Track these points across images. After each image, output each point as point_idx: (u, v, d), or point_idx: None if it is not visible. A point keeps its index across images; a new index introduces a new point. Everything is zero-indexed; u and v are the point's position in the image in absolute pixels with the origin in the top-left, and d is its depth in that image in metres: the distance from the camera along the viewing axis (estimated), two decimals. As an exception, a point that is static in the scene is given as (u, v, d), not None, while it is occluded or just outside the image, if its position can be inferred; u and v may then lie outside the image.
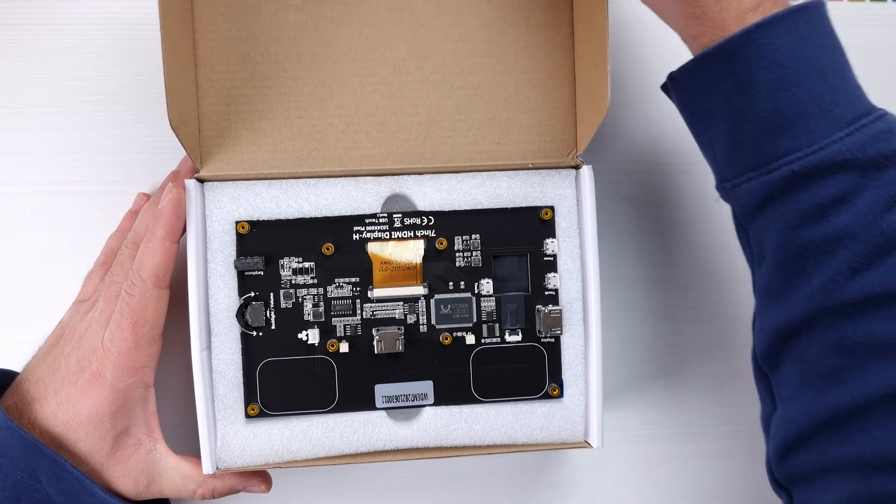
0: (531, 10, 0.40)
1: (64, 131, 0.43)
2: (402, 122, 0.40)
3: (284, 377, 0.37)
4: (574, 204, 0.39)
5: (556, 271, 0.38)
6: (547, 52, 0.40)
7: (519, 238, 0.38)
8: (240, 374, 0.37)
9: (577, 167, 0.40)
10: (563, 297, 0.38)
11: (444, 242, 0.38)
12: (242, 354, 0.37)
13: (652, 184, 0.47)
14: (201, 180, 0.38)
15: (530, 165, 0.40)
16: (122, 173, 0.44)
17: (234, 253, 0.37)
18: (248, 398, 0.37)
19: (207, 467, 0.37)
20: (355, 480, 0.45)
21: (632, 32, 0.47)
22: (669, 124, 0.46)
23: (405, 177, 0.38)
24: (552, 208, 0.39)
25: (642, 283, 0.46)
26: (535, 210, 0.39)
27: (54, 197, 0.43)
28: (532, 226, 0.39)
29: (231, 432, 0.37)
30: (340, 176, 0.38)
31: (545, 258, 0.38)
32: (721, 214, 0.46)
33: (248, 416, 0.37)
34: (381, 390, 0.38)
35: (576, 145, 0.40)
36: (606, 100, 0.35)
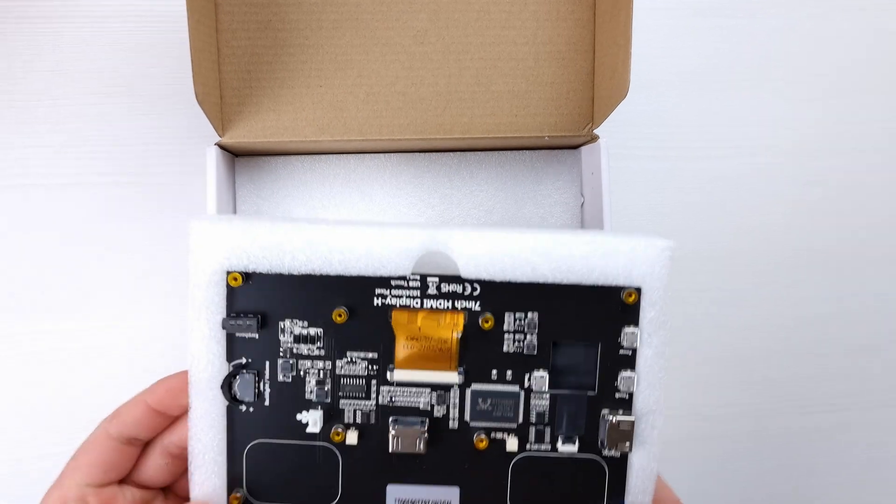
0: (553, -18, 0.40)
1: (77, 123, 0.44)
2: (421, 93, 0.40)
3: (277, 463, 0.30)
4: (667, 288, 0.30)
5: (633, 370, 0.30)
6: (568, 26, 0.40)
7: (589, 322, 0.29)
8: (222, 458, 0.30)
9: (592, 140, 0.40)
10: (638, 404, 0.30)
11: (491, 320, 0.29)
12: (227, 432, 0.30)
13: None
14: (224, 147, 0.39)
15: (546, 138, 0.40)
16: (134, 165, 0.44)
17: (222, 310, 0.29)
18: (232, 483, 0.30)
19: None
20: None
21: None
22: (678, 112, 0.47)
23: (447, 231, 0.29)
24: (638, 290, 0.29)
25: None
26: (614, 291, 0.29)
27: (67, 189, 0.44)
28: (609, 309, 0.29)
29: None
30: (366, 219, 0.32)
31: (621, 351, 0.30)
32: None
33: None
34: (395, 492, 0.30)
35: (592, 119, 0.41)
36: (627, 82, 0.36)
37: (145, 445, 0.32)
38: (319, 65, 0.40)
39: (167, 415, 0.32)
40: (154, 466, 0.32)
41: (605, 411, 0.30)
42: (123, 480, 0.32)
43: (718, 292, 0.49)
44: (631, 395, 0.30)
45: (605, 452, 0.30)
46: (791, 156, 0.49)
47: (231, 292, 0.29)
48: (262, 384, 0.30)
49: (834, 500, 0.51)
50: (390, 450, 0.30)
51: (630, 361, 0.30)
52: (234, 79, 0.39)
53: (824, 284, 0.50)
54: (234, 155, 0.42)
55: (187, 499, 0.34)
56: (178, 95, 0.45)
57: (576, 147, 0.43)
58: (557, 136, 0.41)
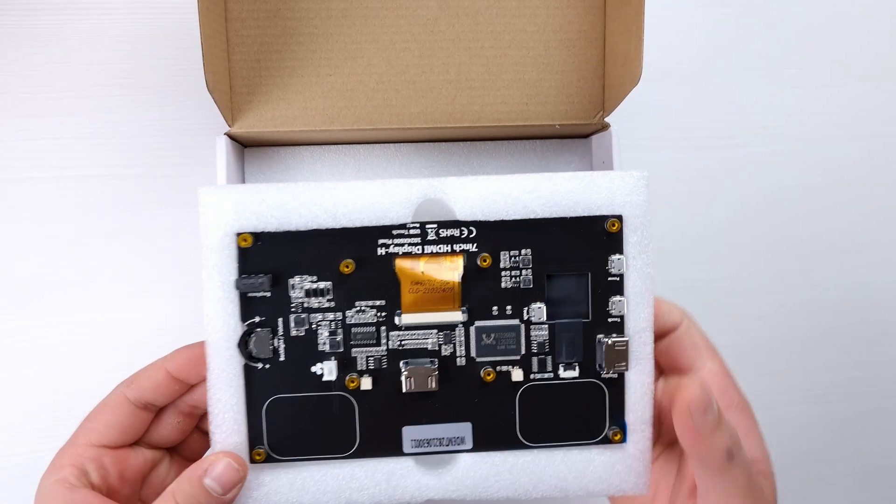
0: (564, -30, 0.40)
1: (86, 115, 0.44)
2: (431, 81, 0.40)
3: (295, 417, 0.31)
4: (646, 214, 0.32)
5: (622, 294, 0.32)
6: (578, 13, 0.40)
7: (578, 254, 0.32)
8: (241, 416, 0.31)
9: (603, 129, 0.40)
10: (629, 325, 0.32)
11: (489, 259, 0.31)
12: (246, 391, 0.31)
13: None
14: (233, 137, 0.39)
15: (557, 126, 0.40)
16: (145, 156, 0.44)
17: (234, 271, 0.31)
18: (253, 441, 0.31)
19: None
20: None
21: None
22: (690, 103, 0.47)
23: (442, 179, 0.31)
24: (620, 218, 0.32)
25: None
26: (599, 220, 0.31)
27: (77, 181, 0.44)
28: (595, 239, 0.32)
29: None
30: (367, 180, 0.32)
31: (609, 278, 0.32)
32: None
33: (252, 461, 0.32)
34: (410, 433, 0.32)
35: (603, 107, 0.41)
36: (639, 69, 0.36)
37: (159, 409, 0.33)
38: (329, 54, 0.40)
39: (185, 382, 0.32)
40: (166, 427, 0.33)
41: (600, 336, 0.32)
42: (136, 442, 0.33)
43: (729, 281, 0.48)
44: (622, 317, 0.32)
45: (604, 374, 0.32)
46: (803, 144, 0.49)
47: (242, 253, 0.31)
48: (276, 340, 0.31)
49: (850, 490, 0.51)
50: (404, 390, 0.31)
51: (619, 286, 0.32)
52: (243, 68, 0.39)
53: (837, 273, 0.50)
54: (244, 146, 0.42)
55: (192, 459, 0.34)
56: (187, 86, 0.45)
57: (586, 136, 0.43)
58: (568, 125, 0.41)
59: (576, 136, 0.43)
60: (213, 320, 0.31)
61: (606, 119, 0.41)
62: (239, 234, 0.31)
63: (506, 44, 0.40)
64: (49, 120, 0.44)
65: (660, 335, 0.33)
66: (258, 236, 0.31)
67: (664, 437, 0.34)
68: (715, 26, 0.48)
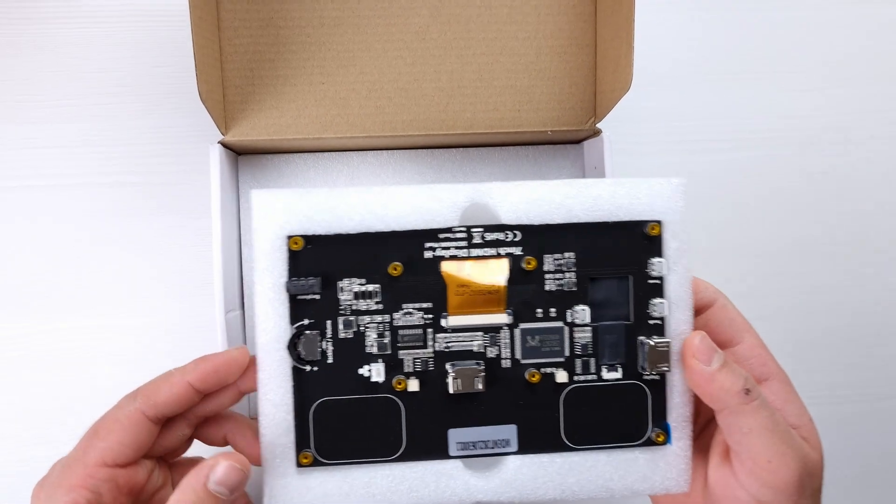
0: (555, -23, 0.40)
1: (80, 123, 0.44)
2: (424, 89, 0.40)
3: (343, 420, 0.32)
4: (684, 219, 0.33)
5: (662, 297, 0.32)
6: (569, 20, 0.40)
7: (619, 257, 0.32)
8: (290, 417, 0.31)
9: (595, 134, 0.40)
10: (670, 326, 0.32)
11: (533, 262, 0.32)
12: (294, 393, 0.31)
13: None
14: (227, 146, 0.39)
15: (549, 132, 0.41)
16: (140, 164, 0.45)
17: (285, 273, 0.31)
18: (301, 444, 0.31)
19: None
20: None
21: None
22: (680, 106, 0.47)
23: (487, 183, 0.32)
24: (660, 223, 0.32)
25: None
26: (639, 224, 0.32)
27: (72, 189, 0.44)
28: (636, 243, 0.32)
29: (280, 485, 0.32)
30: (402, 187, 0.32)
31: (650, 281, 0.32)
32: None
33: (300, 465, 0.32)
34: (456, 435, 0.32)
35: (594, 113, 0.41)
36: (630, 75, 0.36)
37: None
38: (321, 62, 0.40)
39: (204, 393, 0.32)
40: (174, 438, 0.33)
41: (641, 337, 0.32)
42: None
43: (725, 285, 0.49)
44: (663, 319, 0.32)
45: (646, 376, 0.32)
46: (795, 147, 0.49)
47: (292, 256, 0.31)
48: (324, 343, 0.31)
49: (849, 490, 0.51)
50: (450, 391, 0.31)
51: (659, 289, 0.32)
52: (236, 77, 0.39)
53: (830, 275, 0.50)
54: (237, 153, 0.42)
55: (176, 464, 0.34)
56: (181, 94, 0.45)
57: (578, 142, 0.43)
58: (560, 131, 0.41)
59: (568, 141, 0.43)
60: (264, 322, 0.31)
61: (598, 125, 0.41)
62: (290, 237, 0.31)
63: (497, 51, 0.41)
64: (45, 127, 0.44)
65: (696, 312, 0.33)
66: (309, 239, 0.31)
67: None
68: (706, 31, 0.48)
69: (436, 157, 0.43)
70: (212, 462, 0.30)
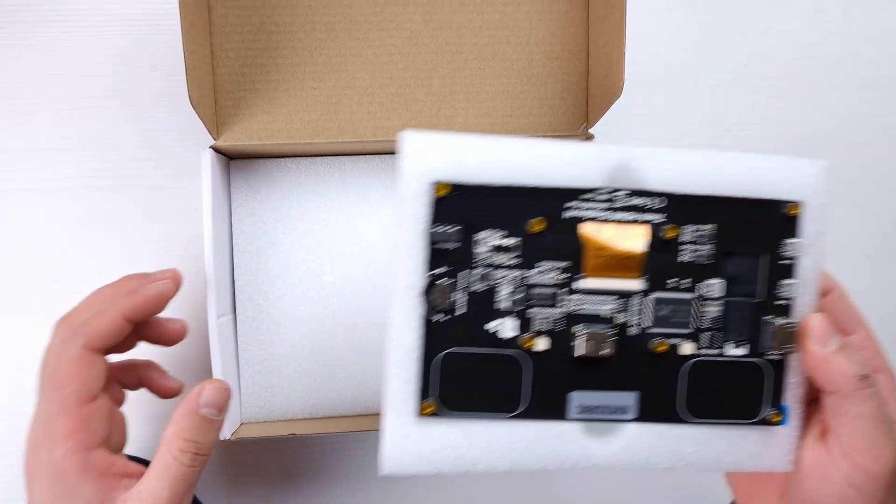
0: (547, -18, 0.40)
1: (73, 127, 0.45)
2: (416, 94, 0.40)
3: (467, 372, 0.31)
4: (824, 203, 0.32)
5: (793, 278, 0.32)
6: (561, 26, 0.40)
7: (757, 234, 0.32)
8: (416, 365, 0.31)
9: (587, 140, 0.40)
10: (798, 308, 0.32)
11: (674, 231, 0.31)
12: (422, 342, 0.31)
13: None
14: (219, 150, 0.39)
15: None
16: (134, 168, 0.45)
17: (426, 220, 0.30)
18: (424, 393, 0.31)
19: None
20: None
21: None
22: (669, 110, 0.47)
23: (636, 148, 0.31)
24: (800, 204, 0.32)
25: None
26: (780, 204, 0.32)
27: (67, 192, 0.45)
28: (774, 222, 0.32)
29: (401, 434, 0.31)
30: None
31: (783, 262, 0.32)
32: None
33: (421, 414, 0.31)
34: (577, 398, 0.32)
35: (587, 119, 0.41)
36: (622, 81, 0.36)
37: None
38: (313, 67, 0.40)
39: (135, 322, 0.35)
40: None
41: (768, 317, 0.32)
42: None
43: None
44: (791, 300, 0.32)
45: (769, 356, 0.32)
46: (787, 151, 0.49)
47: (437, 203, 0.30)
48: (457, 293, 0.30)
49: None
50: (577, 354, 0.31)
51: (790, 270, 0.32)
52: (227, 82, 0.39)
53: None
54: (229, 158, 0.42)
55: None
56: (174, 98, 0.45)
57: (570, 146, 0.43)
58: (552, 136, 0.41)
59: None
60: (399, 268, 0.30)
61: (590, 130, 0.41)
62: (437, 183, 0.30)
63: (489, 56, 0.41)
64: (38, 131, 0.44)
65: None
66: (455, 187, 0.30)
67: None
68: (698, 36, 0.49)
69: (428, 162, 0.43)
70: (197, 389, 0.33)
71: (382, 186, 0.43)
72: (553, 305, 0.31)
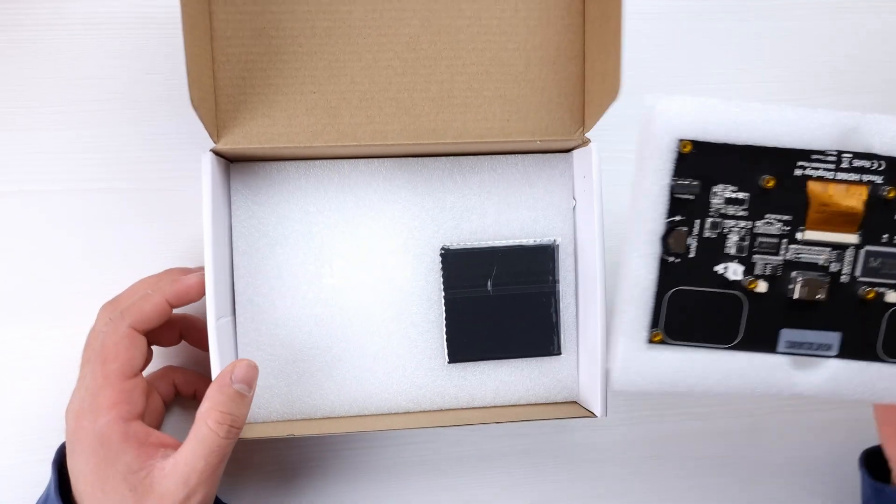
0: (544, -12, 0.41)
1: (73, 130, 0.45)
2: (414, 98, 0.41)
3: (692, 308, 0.36)
4: None
5: None
6: (557, 31, 0.41)
7: None
8: (650, 300, 0.36)
9: (583, 144, 0.41)
10: None
11: (894, 192, 0.35)
12: (657, 279, 0.36)
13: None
14: (219, 153, 0.39)
15: (538, 142, 0.41)
16: (131, 171, 0.45)
17: (669, 173, 0.35)
18: (654, 324, 0.36)
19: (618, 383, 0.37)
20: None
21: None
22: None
23: (866, 114, 0.35)
24: None
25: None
26: None
27: (65, 195, 0.45)
28: None
29: (632, 357, 0.36)
30: None
31: None
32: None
33: (650, 341, 0.36)
34: (787, 335, 0.37)
35: (583, 123, 0.41)
36: (618, 84, 0.36)
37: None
38: (313, 71, 0.40)
39: (176, 306, 0.39)
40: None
41: None
42: None
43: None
44: None
45: None
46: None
47: (680, 158, 0.34)
48: (690, 239, 0.35)
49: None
50: (794, 297, 0.35)
51: None
52: (228, 85, 0.40)
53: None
54: (229, 161, 0.42)
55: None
56: (174, 101, 0.45)
57: (567, 151, 0.44)
58: (549, 140, 0.41)
59: (557, 150, 0.43)
60: (643, 213, 0.35)
61: (587, 135, 0.41)
62: (681, 141, 0.34)
63: (487, 61, 0.41)
64: (39, 134, 0.44)
65: None
66: (697, 145, 0.34)
67: None
68: (695, 42, 0.49)
69: (426, 165, 0.43)
70: (229, 367, 0.36)
71: (381, 190, 0.43)
72: (776, 253, 0.36)
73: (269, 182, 0.42)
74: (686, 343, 0.37)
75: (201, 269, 0.38)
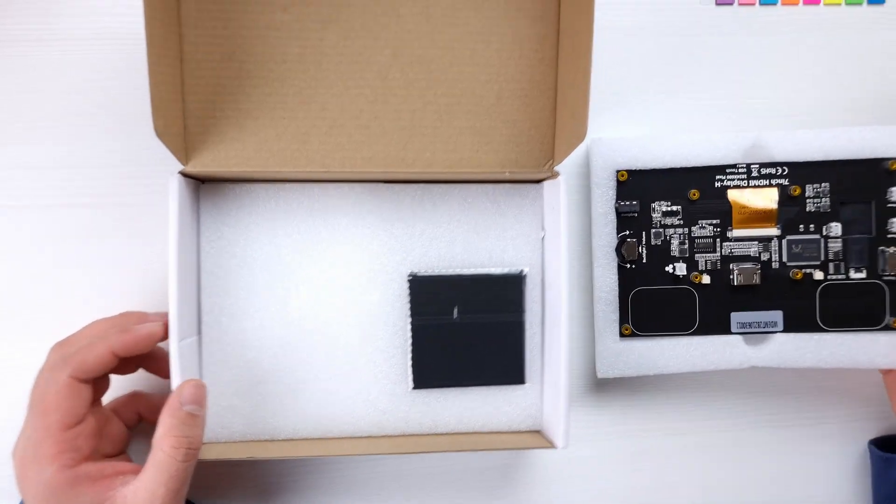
0: (518, 21, 0.41)
1: (57, 145, 0.45)
2: (385, 127, 0.41)
3: (653, 303, 0.45)
4: None
5: None
6: (530, 64, 0.41)
7: (864, 186, 0.44)
8: (616, 300, 0.45)
9: (553, 176, 0.41)
10: None
11: (798, 189, 0.44)
12: (619, 283, 0.44)
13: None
14: (187, 175, 0.39)
15: (507, 174, 0.41)
16: (115, 186, 0.45)
17: (613, 198, 0.44)
18: (622, 320, 0.45)
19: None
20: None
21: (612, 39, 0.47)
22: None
23: (766, 132, 0.44)
24: None
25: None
26: (883, 161, 0.44)
27: (48, 210, 0.45)
28: (879, 175, 0.44)
29: (609, 348, 0.45)
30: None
31: (889, 205, 0.44)
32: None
33: (622, 335, 0.45)
34: (737, 317, 0.45)
35: (553, 156, 0.41)
36: (585, 127, 0.37)
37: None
38: (283, 97, 0.40)
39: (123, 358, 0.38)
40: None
41: (882, 248, 0.44)
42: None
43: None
44: None
45: (885, 277, 0.44)
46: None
47: (620, 184, 0.44)
48: (640, 248, 0.45)
49: None
50: (734, 284, 0.44)
51: (895, 212, 0.44)
52: (198, 109, 0.40)
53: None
54: (200, 181, 0.42)
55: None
56: (148, 118, 0.45)
57: (537, 181, 0.44)
58: (519, 172, 0.41)
59: (527, 181, 0.43)
60: (599, 232, 0.45)
61: (556, 167, 0.41)
62: (618, 171, 0.44)
63: (458, 92, 0.41)
64: (17, 149, 0.44)
65: None
66: (632, 173, 0.44)
67: None
68: (671, 57, 0.48)
69: (395, 191, 0.43)
70: (177, 390, 0.36)
71: (350, 214, 0.43)
72: (713, 251, 0.45)
73: (239, 204, 0.42)
74: (652, 333, 0.45)
75: (160, 315, 0.38)
